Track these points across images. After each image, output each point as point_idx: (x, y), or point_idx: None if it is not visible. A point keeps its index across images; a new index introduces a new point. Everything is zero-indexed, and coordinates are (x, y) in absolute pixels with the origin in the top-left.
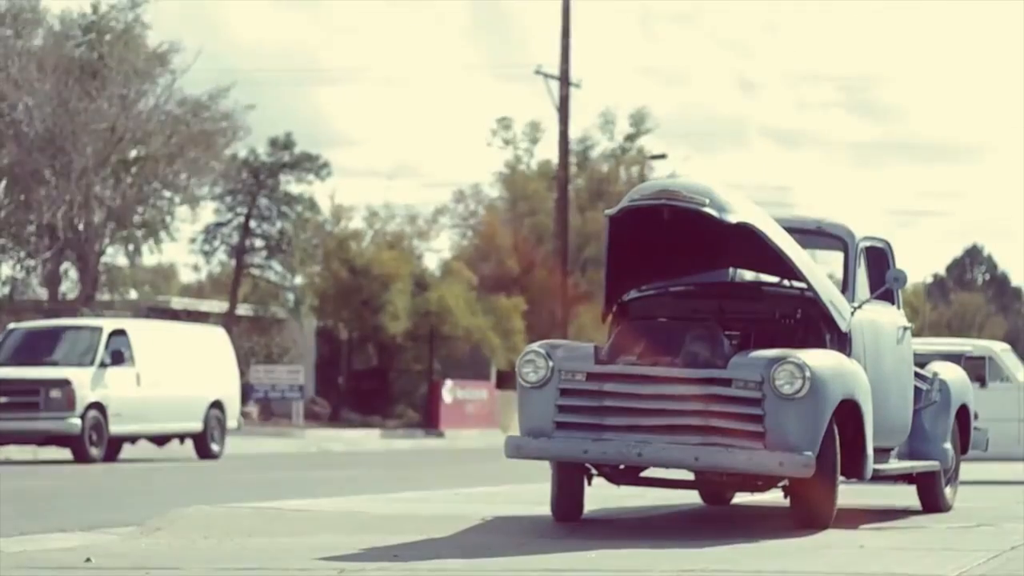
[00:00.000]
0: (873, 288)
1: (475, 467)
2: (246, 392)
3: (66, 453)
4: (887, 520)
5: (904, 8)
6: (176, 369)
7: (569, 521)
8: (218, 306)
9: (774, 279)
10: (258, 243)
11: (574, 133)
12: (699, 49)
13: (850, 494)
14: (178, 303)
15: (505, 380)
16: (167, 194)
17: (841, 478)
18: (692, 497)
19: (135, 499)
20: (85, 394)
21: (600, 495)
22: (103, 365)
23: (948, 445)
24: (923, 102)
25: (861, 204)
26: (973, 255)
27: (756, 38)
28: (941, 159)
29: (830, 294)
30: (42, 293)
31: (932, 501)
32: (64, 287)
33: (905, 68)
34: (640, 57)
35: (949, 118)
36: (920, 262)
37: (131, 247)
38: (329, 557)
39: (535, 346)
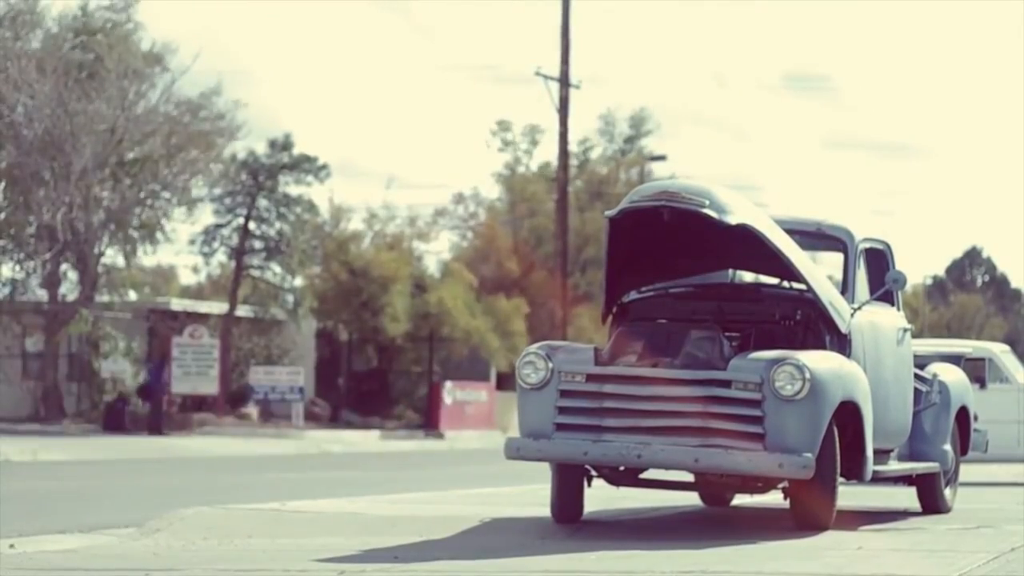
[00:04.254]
0: (873, 289)
1: (475, 468)
2: (246, 393)
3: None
4: (887, 522)
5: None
6: None
7: (569, 522)
8: (218, 307)
9: (774, 280)
10: (257, 244)
11: (574, 135)
12: (694, 47)
13: (850, 495)
14: (178, 304)
15: (505, 381)
16: (166, 195)
17: (841, 479)
18: (692, 499)
19: (135, 500)
20: None
21: (600, 496)
22: None
23: (948, 446)
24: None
25: (834, 201)
26: (972, 256)
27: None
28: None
29: (830, 295)
30: (42, 294)
31: (932, 502)
32: (64, 288)
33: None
34: (638, 57)
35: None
36: (919, 263)
37: (128, 248)
38: (329, 558)
39: (535, 348)
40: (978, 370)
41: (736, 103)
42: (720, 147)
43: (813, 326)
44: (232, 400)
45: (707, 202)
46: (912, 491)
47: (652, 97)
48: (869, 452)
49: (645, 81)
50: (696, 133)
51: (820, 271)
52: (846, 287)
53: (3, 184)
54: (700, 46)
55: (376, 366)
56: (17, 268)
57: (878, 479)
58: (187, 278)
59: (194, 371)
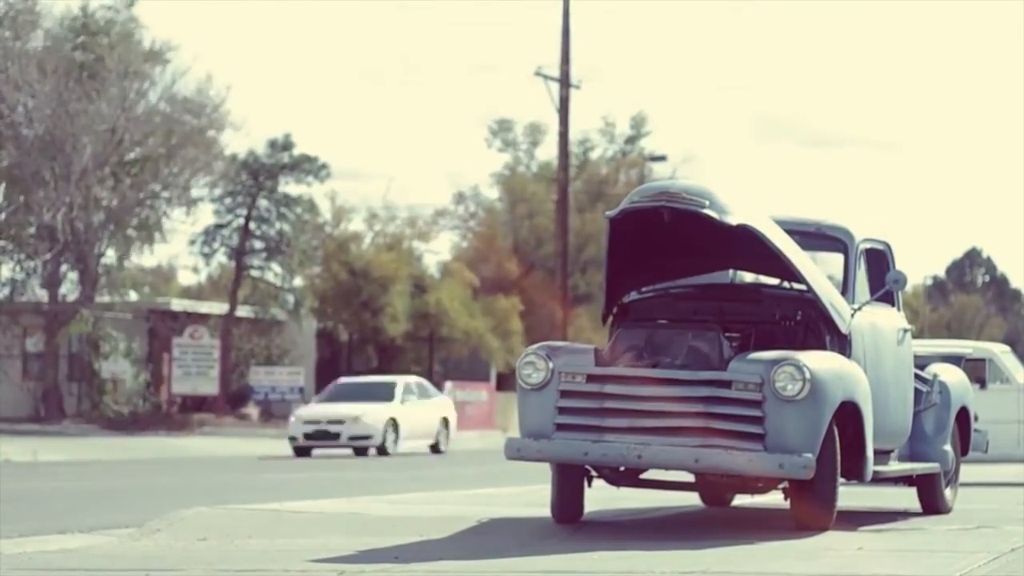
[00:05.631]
0: (873, 290)
1: (475, 468)
2: (246, 393)
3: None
4: (887, 522)
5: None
6: None
7: (569, 523)
8: (218, 308)
9: (774, 281)
10: (257, 245)
11: (574, 135)
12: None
13: (850, 496)
14: (178, 305)
15: (505, 382)
16: (166, 195)
17: (841, 480)
18: (692, 499)
19: (135, 500)
20: None
21: (600, 497)
22: None
23: (948, 447)
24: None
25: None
26: (972, 257)
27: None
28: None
29: (830, 296)
30: (42, 295)
31: (932, 503)
32: (64, 288)
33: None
34: (638, 57)
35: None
36: (919, 263)
37: (128, 248)
38: (329, 559)
39: (535, 348)
40: (978, 370)
41: (732, 102)
42: (716, 146)
43: (813, 326)
44: (232, 400)
45: (707, 203)
46: (912, 491)
47: (651, 96)
48: (869, 452)
49: (644, 81)
50: (693, 132)
51: (820, 271)
52: (846, 287)
53: (3, 184)
54: (697, 46)
55: (376, 366)
56: (17, 268)
57: (878, 479)
58: (187, 278)
59: (194, 371)
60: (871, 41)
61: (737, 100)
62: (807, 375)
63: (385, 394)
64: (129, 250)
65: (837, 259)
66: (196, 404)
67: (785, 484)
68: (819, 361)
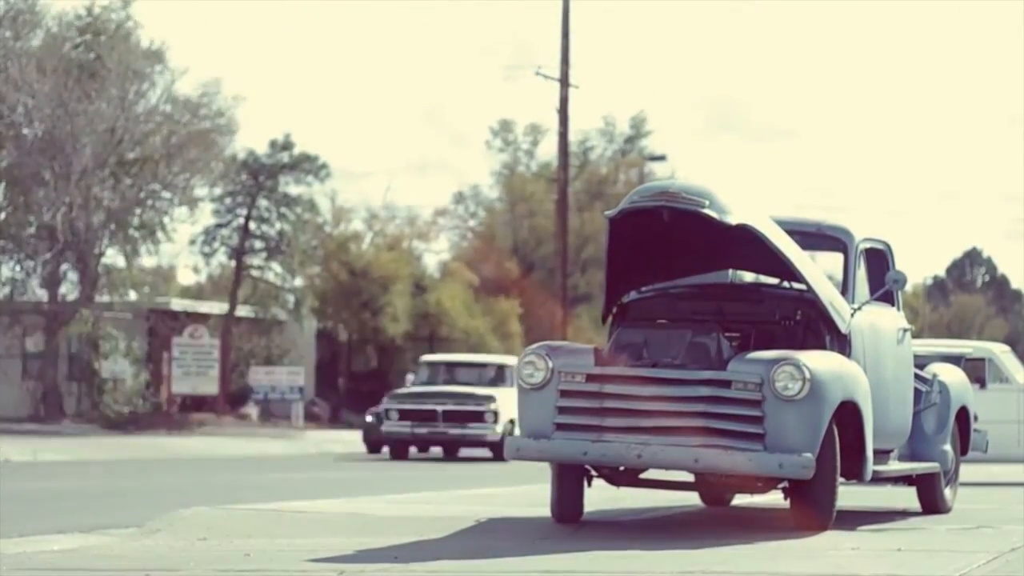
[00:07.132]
0: (873, 290)
1: (475, 468)
2: (246, 393)
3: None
4: (887, 522)
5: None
6: None
7: (569, 522)
8: (218, 307)
9: (774, 280)
10: (258, 244)
11: (574, 135)
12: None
13: (850, 496)
14: (178, 304)
15: None
16: (166, 195)
17: (841, 480)
18: (692, 499)
19: (135, 500)
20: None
21: (600, 496)
22: None
23: (948, 447)
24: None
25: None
26: (972, 257)
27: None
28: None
29: (830, 295)
30: (42, 294)
31: (932, 503)
32: (64, 288)
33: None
34: (638, 58)
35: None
36: (919, 263)
37: (129, 248)
38: (329, 558)
39: (535, 348)
40: (978, 370)
41: (732, 101)
42: (715, 146)
43: (813, 326)
44: (232, 400)
45: (707, 202)
46: (912, 491)
47: (651, 96)
48: (869, 452)
49: (644, 81)
50: (692, 133)
51: (820, 271)
52: (846, 287)
53: (3, 184)
54: (695, 46)
55: (376, 366)
56: (17, 268)
57: (878, 479)
58: (187, 278)
59: (194, 371)
60: (869, 42)
61: (737, 99)
62: (807, 375)
63: None
64: (136, 250)
65: (837, 259)
66: (196, 404)
67: (785, 484)
68: (819, 361)
